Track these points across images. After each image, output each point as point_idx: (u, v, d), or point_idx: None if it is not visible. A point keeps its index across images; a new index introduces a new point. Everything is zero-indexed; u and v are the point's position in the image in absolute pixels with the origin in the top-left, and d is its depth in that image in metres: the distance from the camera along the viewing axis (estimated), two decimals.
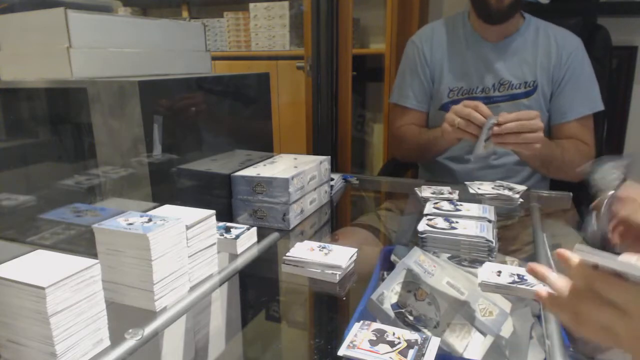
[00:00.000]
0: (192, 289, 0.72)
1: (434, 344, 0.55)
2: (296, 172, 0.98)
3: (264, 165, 1.07)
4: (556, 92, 1.27)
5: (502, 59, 1.29)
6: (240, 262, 0.83)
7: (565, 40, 1.27)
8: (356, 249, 0.81)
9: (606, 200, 0.62)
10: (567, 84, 1.26)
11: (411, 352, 0.53)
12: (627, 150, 1.80)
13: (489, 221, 0.89)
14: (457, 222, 0.87)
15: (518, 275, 0.69)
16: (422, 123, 1.40)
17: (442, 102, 1.33)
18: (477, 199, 1.12)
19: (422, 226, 0.86)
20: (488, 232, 0.82)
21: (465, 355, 0.60)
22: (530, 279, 0.68)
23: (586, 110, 1.27)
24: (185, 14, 2.77)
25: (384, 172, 1.64)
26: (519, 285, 0.66)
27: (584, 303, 0.46)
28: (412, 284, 0.67)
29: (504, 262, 0.78)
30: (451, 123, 1.07)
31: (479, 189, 1.15)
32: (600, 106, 1.28)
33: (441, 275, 0.69)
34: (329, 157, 1.15)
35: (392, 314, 0.64)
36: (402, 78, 1.41)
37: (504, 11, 1.21)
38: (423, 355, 0.53)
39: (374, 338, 0.56)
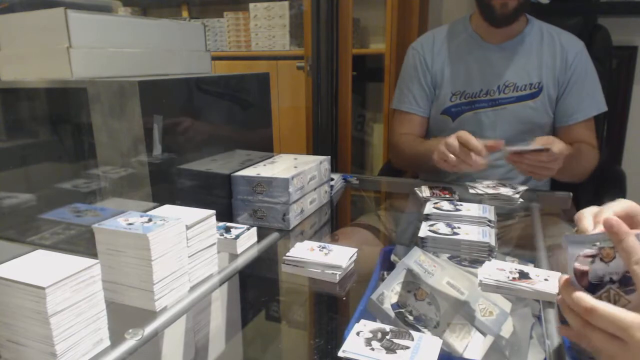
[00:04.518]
0: (192, 289, 0.72)
1: (434, 344, 0.55)
2: (296, 172, 0.98)
3: (264, 165, 1.07)
4: (562, 94, 1.28)
5: (506, 61, 1.28)
6: (240, 262, 0.83)
7: (569, 43, 1.27)
8: (356, 249, 0.81)
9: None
10: (574, 86, 1.26)
11: (411, 352, 0.53)
12: (627, 150, 1.80)
13: (489, 222, 0.89)
14: (459, 228, 0.86)
15: (518, 274, 0.69)
16: (423, 128, 1.40)
17: (444, 106, 1.33)
18: (477, 199, 1.12)
19: (423, 232, 0.85)
20: (490, 238, 0.82)
21: (465, 355, 0.60)
22: (531, 277, 0.68)
23: (593, 111, 1.27)
24: (185, 14, 2.77)
25: (384, 172, 1.63)
26: (519, 285, 0.66)
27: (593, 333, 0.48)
28: (412, 284, 0.67)
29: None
30: (444, 158, 1.06)
31: (479, 189, 1.15)
32: (604, 107, 1.29)
33: (441, 275, 0.69)
34: (329, 157, 1.15)
35: (392, 314, 0.64)
36: (403, 84, 1.40)
37: (509, 15, 1.21)
38: (423, 355, 0.53)
39: (374, 338, 0.56)
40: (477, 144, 1.01)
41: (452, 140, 1.03)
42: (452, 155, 1.03)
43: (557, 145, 1.04)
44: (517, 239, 1.03)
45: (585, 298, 0.48)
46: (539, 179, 1.13)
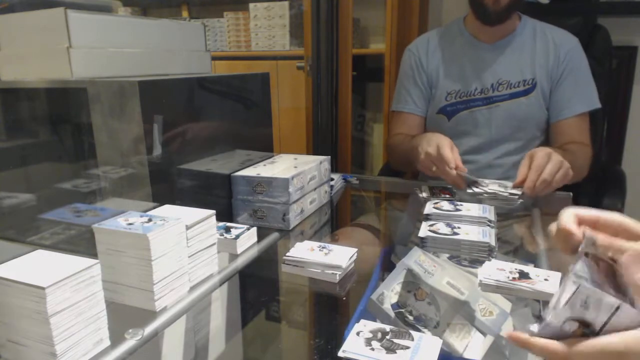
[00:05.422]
0: (192, 289, 0.72)
1: (434, 344, 0.55)
2: (296, 172, 0.98)
3: (264, 165, 1.07)
4: (554, 89, 1.28)
5: (499, 58, 1.29)
6: (240, 262, 0.83)
7: (562, 39, 1.28)
8: (356, 249, 0.81)
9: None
10: (565, 81, 1.27)
11: (411, 352, 0.53)
12: (627, 150, 1.80)
13: (489, 222, 0.89)
14: (459, 228, 0.86)
15: (518, 274, 0.69)
16: (421, 128, 1.41)
17: (439, 105, 1.35)
18: (477, 199, 1.12)
19: (423, 232, 0.85)
20: (490, 238, 0.82)
21: (465, 355, 0.60)
22: (531, 277, 0.68)
23: (583, 107, 1.27)
24: (185, 14, 2.77)
25: (384, 172, 1.64)
26: (519, 285, 0.66)
27: None
28: (412, 284, 0.67)
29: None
30: (429, 168, 1.10)
31: (478, 189, 1.14)
32: (597, 104, 1.28)
33: (441, 275, 0.69)
34: (329, 157, 1.15)
35: (392, 314, 0.64)
36: (401, 85, 1.43)
37: (501, 12, 1.22)
38: (423, 355, 0.53)
39: (374, 338, 0.56)
40: (449, 156, 1.04)
41: (432, 150, 1.08)
42: (435, 167, 1.08)
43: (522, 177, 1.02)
44: (517, 239, 1.03)
45: (548, 346, 0.44)
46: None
